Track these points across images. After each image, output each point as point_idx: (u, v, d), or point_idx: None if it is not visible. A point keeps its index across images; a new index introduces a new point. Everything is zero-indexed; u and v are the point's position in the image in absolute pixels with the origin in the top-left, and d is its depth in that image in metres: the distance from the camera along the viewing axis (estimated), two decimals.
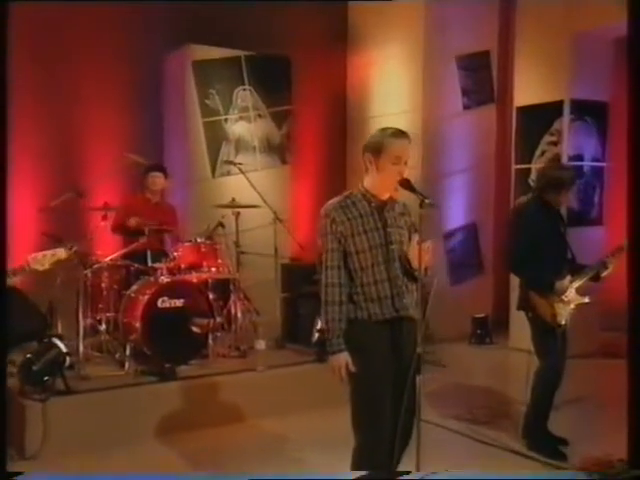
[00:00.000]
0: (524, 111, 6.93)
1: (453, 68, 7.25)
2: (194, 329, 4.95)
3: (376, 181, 2.78)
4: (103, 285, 5.07)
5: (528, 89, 6.84)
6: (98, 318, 5.08)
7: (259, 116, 7.01)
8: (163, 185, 5.74)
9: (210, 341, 4.99)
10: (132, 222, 5.40)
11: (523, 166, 7.00)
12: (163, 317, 4.84)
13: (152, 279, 5.04)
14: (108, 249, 5.42)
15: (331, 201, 2.78)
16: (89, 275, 5.00)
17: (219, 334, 5.21)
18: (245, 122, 6.95)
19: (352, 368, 2.70)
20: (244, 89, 6.93)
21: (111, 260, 5.15)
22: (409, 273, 2.77)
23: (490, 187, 7.59)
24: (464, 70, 7.34)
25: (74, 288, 4.95)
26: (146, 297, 4.83)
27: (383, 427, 2.77)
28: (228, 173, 6.67)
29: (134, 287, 5.06)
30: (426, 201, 2.61)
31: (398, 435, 2.78)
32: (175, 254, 5.18)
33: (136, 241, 5.18)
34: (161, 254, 5.28)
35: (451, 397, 5.33)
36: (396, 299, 2.75)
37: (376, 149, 2.74)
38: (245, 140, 6.99)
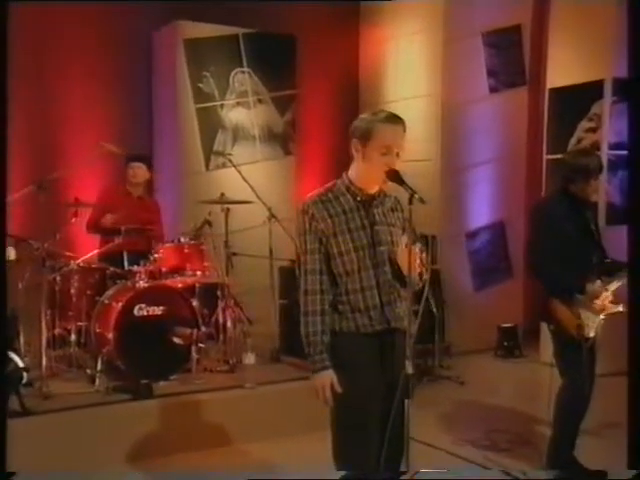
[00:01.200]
0: (558, 93, 6.65)
1: (478, 45, 7.00)
2: (175, 340, 4.85)
3: (361, 172, 2.67)
4: (73, 291, 4.91)
5: (564, 68, 6.55)
6: (68, 328, 4.95)
7: (259, 101, 6.94)
8: (145, 177, 5.60)
9: (194, 354, 4.86)
10: (108, 219, 5.27)
11: (556, 156, 6.66)
12: (140, 327, 4.73)
13: (129, 284, 4.92)
14: (80, 250, 5.33)
15: (310, 194, 2.68)
16: (57, 279, 4.91)
17: (204, 346, 5.06)
18: (243, 108, 6.87)
19: (338, 388, 2.58)
20: (242, 71, 6.84)
21: (83, 262, 5.02)
22: (402, 279, 2.63)
23: (520, 180, 7.32)
24: (491, 48, 7.08)
25: (40, 294, 4.73)
26: (120, 304, 4.71)
27: (369, 458, 2.64)
28: (224, 165, 6.47)
29: (108, 293, 4.94)
30: (415, 196, 2.47)
31: (382, 468, 2.65)
32: (156, 256, 5.05)
33: (113, 241, 5.08)
34: (141, 256, 5.11)
35: (468, 419, 5.12)
36: (387, 308, 2.63)
37: (364, 135, 2.61)
38: (243, 128, 6.89)
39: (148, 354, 4.73)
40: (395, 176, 2.58)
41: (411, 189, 2.50)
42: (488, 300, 7.00)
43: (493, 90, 7.17)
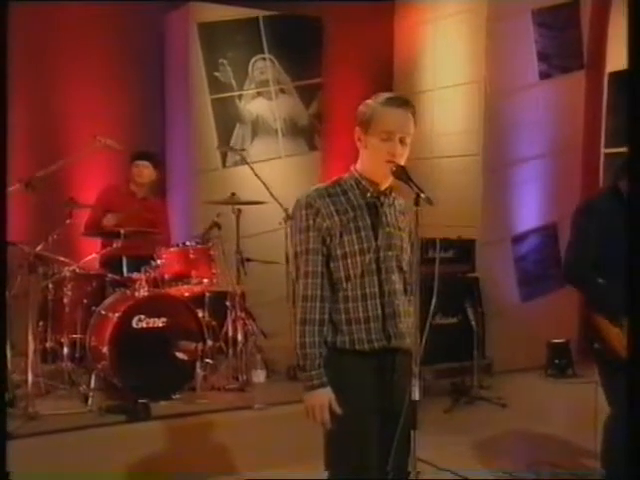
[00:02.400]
0: (620, 78, 6.35)
1: (528, 25, 6.74)
2: (178, 355, 4.79)
3: (365, 162, 2.62)
4: (66, 300, 4.86)
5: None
6: (61, 341, 4.89)
7: (282, 91, 6.85)
8: (151, 177, 5.60)
9: (198, 370, 4.77)
10: (109, 220, 5.24)
11: (617, 150, 6.41)
12: (139, 340, 4.68)
13: (128, 292, 4.89)
14: (76, 255, 5.28)
15: (315, 187, 2.60)
16: (50, 287, 4.87)
17: (211, 361, 4.99)
18: (264, 99, 6.79)
19: (337, 409, 2.50)
20: (263, 58, 6.75)
21: (79, 268, 4.96)
22: (408, 289, 2.61)
23: (574, 177, 7.06)
24: (543, 27, 6.82)
25: (32, 303, 4.69)
26: (117, 315, 4.65)
27: None
28: (242, 162, 6.32)
29: (106, 302, 4.91)
30: (422, 196, 2.40)
31: None
32: (158, 262, 4.99)
33: (115, 244, 5.04)
34: (142, 262, 5.04)
35: (509, 448, 4.94)
36: (389, 322, 2.55)
37: (365, 121, 2.56)
38: (264, 121, 6.81)
39: (148, 370, 4.66)
40: (400, 173, 2.51)
41: (418, 188, 2.42)
42: (537, 312, 6.74)
43: (545, 76, 6.92)
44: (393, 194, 2.65)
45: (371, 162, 2.57)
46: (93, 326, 4.81)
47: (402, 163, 2.53)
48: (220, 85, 6.58)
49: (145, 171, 5.50)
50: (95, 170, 6.07)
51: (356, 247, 2.54)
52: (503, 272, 6.65)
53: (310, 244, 2.54)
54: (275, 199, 5.31)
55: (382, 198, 2.61)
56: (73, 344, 4.89)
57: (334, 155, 7.08)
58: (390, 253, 2.57)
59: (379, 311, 2.53)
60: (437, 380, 5.77)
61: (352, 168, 2.63)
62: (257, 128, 6.73)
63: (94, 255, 5.14)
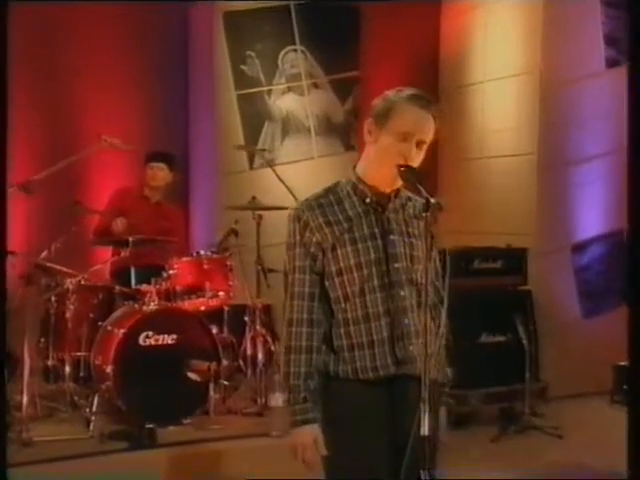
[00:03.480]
0: None
1: (594, 5, 6.49)
2: (190, 376, 4.75)
3: (372, 162, 2.51)
4: (68, 314, 4.85)
5: None
6: (63, 358, 4.89)
7: (315, 86, 6.79)
8: (166, 180, 5.60)
9: (212, 392, 4.73)
10: (118, 225, 5.25)
11: None
12: (146, 359, 4.67)
13: (136, 306, 4.89)
14: (84, 265, 5.23)
15: (306, 197, 2.55)
16: (53, 300, 4.90)
17: (228, 383, 4.94)
18: (296, 94, 6.73)
19: (323, 450, 2.42)
20: (294, 50, 6.70)
21: (85, 280, 4.97)
22: (435, 310, 2.49)
23: None
24: (612, 7, 6.55)
25: (35, 317, 4.87)
26: (122, 331, 4.65)
27: None
28: (272, 163, 6.35)
29: (112, 317, 4.92)
30: (432, 201, 2.29)
31: None
32: (170, 272, 4.98)
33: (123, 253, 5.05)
34: (153, 272, 5.03)
35: None
36: (398, 346, 2.45)
37: (381, 114, 2.48)
38: (296, 119, 6.74)
39: (155, 392, 4.63)
40: (409, 174, 2.40)
41: (426, 193, 2.31)
42: (601, 330, 6.45)
43: (612, 63, 6.64)
44: (403, 195, 2.54)
45: (379, 162, 2.47)
46: (98, 343, 4.81)
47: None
48: (247, 80, 6.54)
49: (160, 173, 5.49)
50: (106, 172, 6.11)
51: (352, 261, 2.44)
52: (561, 285, 6.41)
53: (297, 261, 2.48)
54: (295, 199, 5.10)
55: (385, 202, 2.51)
56: (77, 362, 4.90)
57: None
58: (397, 265, 2.46)
59: (385, 333, 2.44)
60: (483, 406, 5.56)
61: (351, 171, 2.54)
62: (288, 126, 6.68)
63: (100, 265, 5.16)
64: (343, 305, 2.46)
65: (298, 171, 6.34)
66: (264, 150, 5.83)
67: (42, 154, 5.88)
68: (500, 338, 5.66)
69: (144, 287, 4.89)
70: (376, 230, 2.47)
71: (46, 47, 6.21)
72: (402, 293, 2.44)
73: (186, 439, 4.52)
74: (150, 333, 4.66)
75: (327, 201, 2.49)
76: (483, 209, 6.67)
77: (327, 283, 2.46)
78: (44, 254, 4.71)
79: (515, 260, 5.94)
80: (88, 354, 4.85)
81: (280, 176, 6.15)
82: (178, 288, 4.92)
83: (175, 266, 4.95)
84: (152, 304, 4.78)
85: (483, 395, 5.55)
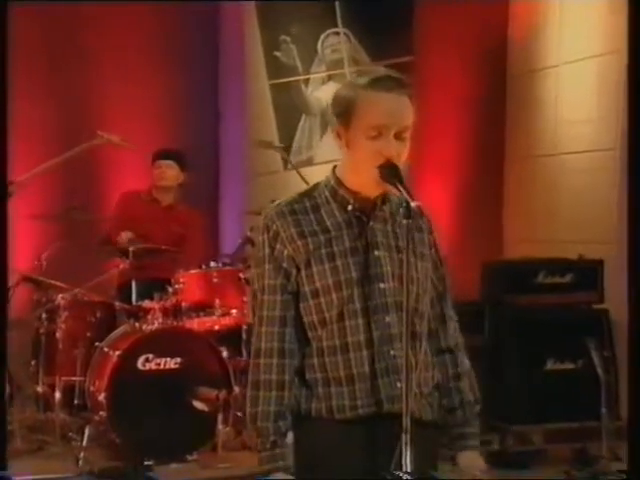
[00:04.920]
0: None
1: None
2: (196, 405, 4.67)
3: (348, 167, 2.40)
4: (59, 334, 4.83)
5: None
6: (54, 384, 4.85)
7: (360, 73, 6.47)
8: (178, 179, 5.53)
9: (220, 425, 4.64)
10: (123, 238, 5.17)
11: None
12: (146, 385, 4.64)
13: (137, 325, 4.87)
14: (77, 278, 5.15)
15: (278, 202, 2.44)
16: (43, 317, 4.87)
17: (240, 414, 4.78)
18: (338, 83, 6.32)
19: None
20: (336, 33, 6.57)
21: (81, 294, 4.96)
22: (418, 336, 2.40)
23: None
24: None
25: (24, 336, 4.94)
26: (117, 354, 4.64)
27: None
28: (310, 162, 6.38)
29: (111, 336, 4.91)
30: (413, 205, 2.20)
31: None
32: (176, 287, 4.92)
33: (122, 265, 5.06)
34: (158, 287, 4.99)
35: None
36: (382, 381, 2.33)
37: (344, 111, 2.35)
38: None
39: (156, 424, 4.62)
40: (390, 173, 2.28)
41: (409, 194, 2.20)
42: None
43: None
44: (393, 200, 2.40)
45: (357, 167, 2.34)
46: (92, 367, 4.81)
47: (400, 165, 2.32)
48: (281, 67, 6.47)
49: (169, 172, 5.42)
50: (113, 174, 6.12)
51: (330, 280, 2.33)
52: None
53: (266, 279, 2.37)
54: None
55: (370, 210, 2.38)
56: (70, 388, 4.86)
57: (429, 153, 6.86)
58: (382, 286, 2.34)
59: (367, 367, 2.32)
60: (550, 445, 5.30)
61: (330, 174, 2.41)
62: (328, 120, 6.43)
63: (100, 278, 5.15)
64: (319, 332, 2.35)
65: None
66: (284, 147, 5.63)
67: (60, 151, 5.90)
68: (569, 366, 5.37)
69: (146, 303, 4.86)
70: (359, 244, 2.35)
71: (65, 38, 6.28)
72: (387, 319, 2.32)
73: (190, 478, 4.54)
74: (150, 356, 4.61)
75: (302, 207, 2.37)
76: (554, 213, 6.44)
77: (302, 306, 2.36)
78: (40, 265, 4.83)
79: (589, 274, 5.63)
80: (84, 379, 4.83)
81: (320, 177, 6.12)
82: (184, 305, 4.88)
83: (181, 280, 4.89)
84: (156, 322, 4.76)
85: (548, 432, 5.27)
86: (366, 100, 2.28)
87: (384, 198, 2.37)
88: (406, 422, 2.16)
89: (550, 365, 5.26)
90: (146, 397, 4.59)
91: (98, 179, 6.11)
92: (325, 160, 6.19)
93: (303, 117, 6.49)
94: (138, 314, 4.88)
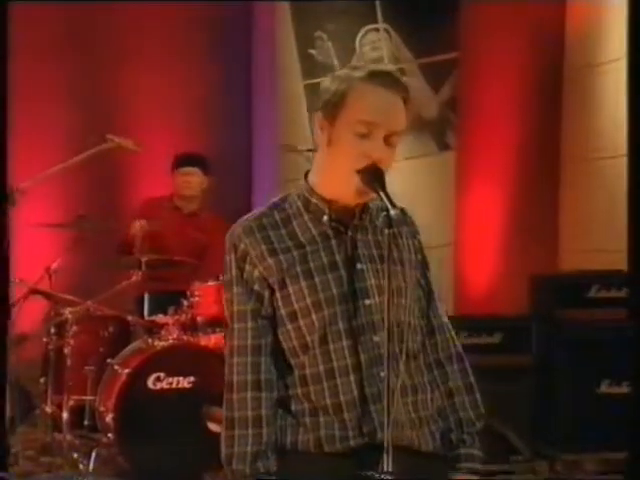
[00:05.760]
0: None
1: None
2: (211, 427, 4.52)
3: (328, 170, 2.32)
4: (67, 350, 4.78)
5: None
6: (62, 403, 4.84)
7: (401, 73, 6.32)
8: (202, 186, 5.56)
9: None
10: (136, 228, 5.16)
11: None
12: (156, 406, 4.62)
13: (150, 341, 4.84)
14: (87, 291, 5.20)
15: (245, 217, 2.37)
16: (52, 332, 4.86)
17: None
18: None
19: None
20: (376, 29, 6.40)
21: (93, 308, 4.94)
22: (412, 353, 2.34)
23: None
24: None
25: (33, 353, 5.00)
26: (127, 372, 4.64)
27: None
28: None
29: (122, 353, 4.91)
30: (392, 213, 2.15)
31: None
32: (191, 300, 4.87)
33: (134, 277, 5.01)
34: (174, 299, 4.98)
35: None
36: (375, 408, 2.26)
37: (333, 102, 2.27)
38: None
39: (167, 447, 4.57)
40: (372, 176, 2.20)
41: (390, 200, 2.15)
42: None
43: None
44: (373, 207, 2.34)
45: (336, 168, 2.26)
46: (102, 385, 4.82)
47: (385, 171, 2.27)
48: (317, 66, 6.34)
49: (193, 180, 5.46)
50: (133, 179, 6.18)
51: (308, 300, 2.25)
52: None
53: (236, 305, 2.29)
54: None
55: (349, 220, 2.30)
56: (79, 409, 4.87)
57: (474, 156, 6.83)
58: (367, 302, 2.26)
59: (356, 393, 2.24)
60: (603, 476, 5.20)
61: (303, 181, 2.35)
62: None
63: (113, 290, 5.07)
64: (301, 358, 2.27)
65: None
66: (310, 150, 5.55)
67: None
68: (622, 389, 5.24)
69: (160, 318, 4.85)
70: (338, 258, 2.27)
71: (95, 33, 6.37)
72: (376, 339, 2.24)
73: None
74: (162, 375, 4.60)
75: (271, 222, 2.29)
76: (614, 221, 6.20)
77: (280, 331, 2.28)
78: (48, 277, 4.81)
79: None
80: (95, 398, 4.84)
81: None
82: (200, 319, 4.81)
83: (197, 292, 4.82)
84: (169, 338, 4.75)
85: (602, 461, 5.23)
86: (360, 92, 2.22)
87: (364, 206, 2.30)
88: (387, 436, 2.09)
89: (605, 388, 5.19)
90: (157, 418, 4.58)
91: (115, 185, 6.19)
92: None
93: None
94: (152, 329, 4.88)
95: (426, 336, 2.35)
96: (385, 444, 2.09)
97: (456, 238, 6.43)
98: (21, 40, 5.77)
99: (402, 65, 6.42)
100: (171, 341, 4.71)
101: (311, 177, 2.32)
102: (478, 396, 2.39)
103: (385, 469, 2.09)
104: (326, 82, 2.31)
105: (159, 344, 4.69)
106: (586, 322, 5.19)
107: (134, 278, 4.90)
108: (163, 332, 4.76)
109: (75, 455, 4.74)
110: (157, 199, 5.63)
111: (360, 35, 6.38)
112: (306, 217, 2.31)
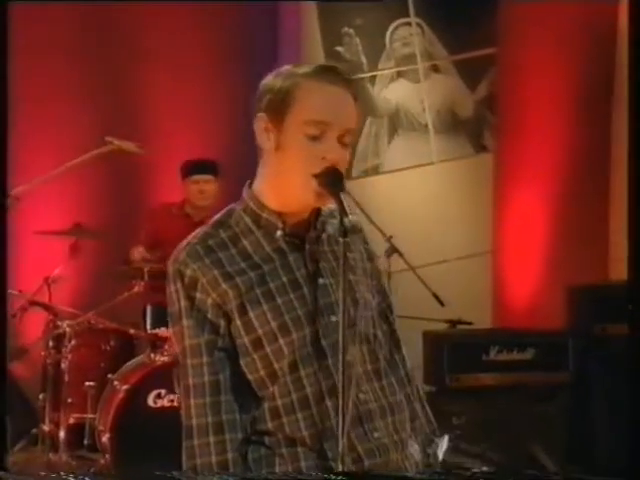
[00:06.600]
0: None
1: None
2: None
3: (277, 179, 2.25)
4: (64, 365, 4.78)
5: None
6: (60, 421, 4.86)
7: (435, 69, 6.58)
8: (214, 193, 5.45)
9: None
10: (135, 256, 5.22)
11: None
12: (157, 425, 4.51)
13: (152, 356, 4.79)
14: (86, 301, 5.29)
15: (187, 241, 2.27)
16: (50, 346, 4.84)
17: None
18: (409, 81, 6.54)
19: None
20: (407, 23, 6.48)
21: (94, 320, 4.96)
22: (383, 369, 2.32)
23: None
24: None
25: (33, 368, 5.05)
26: (125, 388, 4.60)
27: None
28: (376, 170, 6.37)
29: (123, 368, 4.88)
30: (346, 221, 2.10)
31: None
32: None
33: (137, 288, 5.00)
34: None
35: None
36: (356, 433, 2.22)
37: (278, 103, 2.23)
38: (409, 113, 6.56)
39: (167, 469, 4.30)
40: (334, 181, 2.15)
41: (344, 207, 2.10)
42: None
43: None
44: (324, 213, 2.27)
45: (290, 174, 2.19)
46: (102, 402, 4.79)
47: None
48: (344, 64, 6.24)
49: (208, 189, 5.37)
50: (145, 186, 6.18)
51: (273, 324, 2.18)
52: None
53: (187, 340, 2.19)
54: (372, 222, 4.81)
55: (305, 232, 2.24)
56: (77, 427, 4.86)
57: (514, 159, 6.80)
58: (334, 318, 2.18)
59: (333, 420, 2.18)
60: None
61: (245, 191, 2.26)
62: (398, 122, 6.52)
63: (113, 302, 5.06)
64: (270, 389, 2.19)
65: (411, 180, 6.28)
66: None
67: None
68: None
69: (163, 331, 4.74)
70: (298, 274, 2.20)
71: (111, 32, 6.41)
72: (348, 357, 2.14)
73: None
74: (162, 391, 4.54)
75: (218, 242, 2.20)
76: None
77: (243, 362, 2.19)
78: (39, 290, 4.87)
79: None
80: (94, 416, 4.82)
81: (388, 186, 6.31)
82: None
83: None
84: (172, 353, 4.60)
85: None
86: (306, 90, 2.16)
87: (317, 215, 2.24)
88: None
89: None
90: (157, 438, 4.40)
91: (130, 189, 6.21)
92: (394, 168, 6.32)
93: (368, 120, 6.40)
94: (156, 343, 4.81)
95: (393, 347, 2.31)
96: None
97: (494, 246, 6.42)
98: (36, 40, 5.87)
99: (436, 61, 6.55)
100: (173, 356, 4.61)
101: (257, 186, 2.24)
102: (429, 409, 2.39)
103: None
104: (268, 80, 2.25)
105: (160, 359, 4.64)
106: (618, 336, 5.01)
107: (136, 289, 4.87)
108: (167, 346, 4.66)
109: (71, 478, 4.69)
110: (167, 206, 5.61)
111: (390, 30, 6.45)
112: (257, 234, 2.23)
